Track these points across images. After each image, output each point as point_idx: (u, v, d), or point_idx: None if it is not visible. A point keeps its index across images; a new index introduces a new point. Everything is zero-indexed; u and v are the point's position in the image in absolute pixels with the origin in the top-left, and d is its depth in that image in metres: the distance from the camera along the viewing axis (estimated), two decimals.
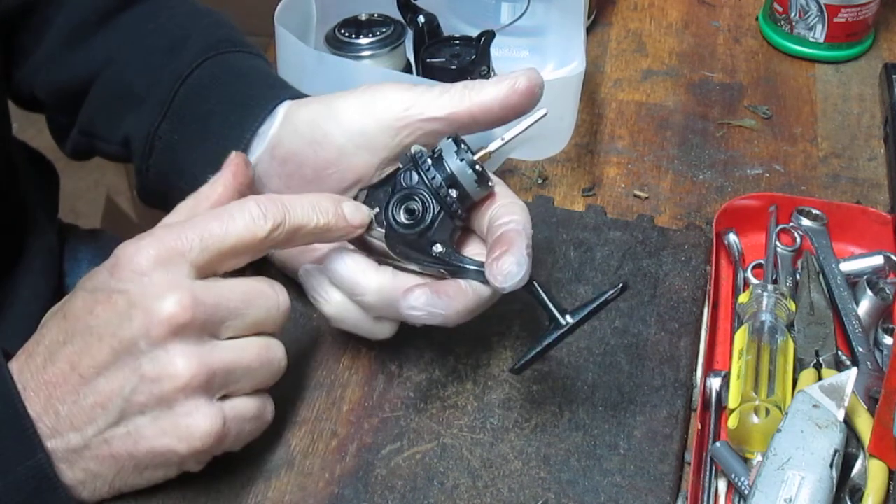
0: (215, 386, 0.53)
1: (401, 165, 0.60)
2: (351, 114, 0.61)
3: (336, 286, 0.60)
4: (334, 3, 0.82)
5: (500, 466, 0.60)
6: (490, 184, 0.59)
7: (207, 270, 0.54)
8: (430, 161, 0.58)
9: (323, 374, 0.65)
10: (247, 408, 0.55)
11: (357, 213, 0.58)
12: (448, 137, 0.59)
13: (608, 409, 0.63)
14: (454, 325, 0.58)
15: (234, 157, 0.59)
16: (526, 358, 0.57)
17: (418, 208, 0.58)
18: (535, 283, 0.58)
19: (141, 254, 0.52)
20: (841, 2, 0.88)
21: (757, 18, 0.96)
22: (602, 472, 0.59)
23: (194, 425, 0.52)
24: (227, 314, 0.53)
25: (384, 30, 0.79)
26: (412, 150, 0.59)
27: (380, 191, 0.60)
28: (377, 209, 0.59)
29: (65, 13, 0.74)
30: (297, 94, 0.66)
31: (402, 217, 0.58)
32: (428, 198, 0.58)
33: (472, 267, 0.58)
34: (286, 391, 0.63)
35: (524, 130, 0.59)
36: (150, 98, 0.69)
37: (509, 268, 0.55)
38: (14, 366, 0.54)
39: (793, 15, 0.91)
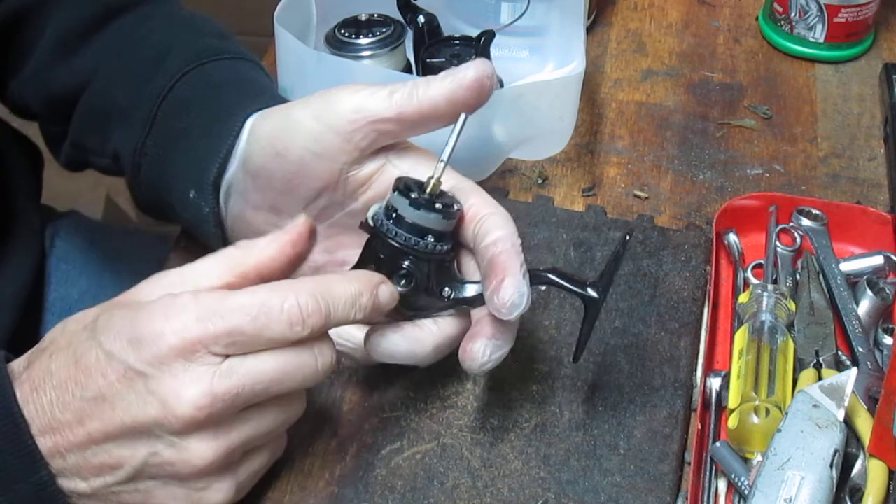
0: (232, 459, 0.53)
1: (368, 236, 0.58)
2: (305, 123, 0.59)
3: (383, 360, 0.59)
4: (334, 3, 0.82)
5: (500, 466, 0.60)
6: (457, 207, 0.58)
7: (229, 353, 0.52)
8: (390, 223, 0.56)
9: None
10: (261, 462, 0.56)
11: (390, 299, 0.56)
12: (394, 190, 0.57)
13: (608, 409, 0.63)
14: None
15: (299, 223, 0.56)
16: (579, 344, 0.58)
17: (410, 274, 0.57)
18: (550, 274, 0.57)
19: (164, 340, 0.50)
20: (841, 2, 0.88)
21: (757, 18, 0.96)
22: (602, 472, 0.59)
23: (207, 498, 0.53)
24: (253, 395, 0.52)
25: (384, 30, 0.79)
26: (369, 219, 0.58)
27: (364, 269, 0.58)
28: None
29: (54, 24, 0.73)
30: (269, 101, 0.65)
31: (400, 287, 0.57)
32: (412, 259, 0.57)
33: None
34: None
35: (456, 142, 0.57)
36: (135, 114, 0.69)
37: (511, 298, 0.54)
38: (18, 392, 0.52)
39: (793, 15, 0.91)
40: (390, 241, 0.56)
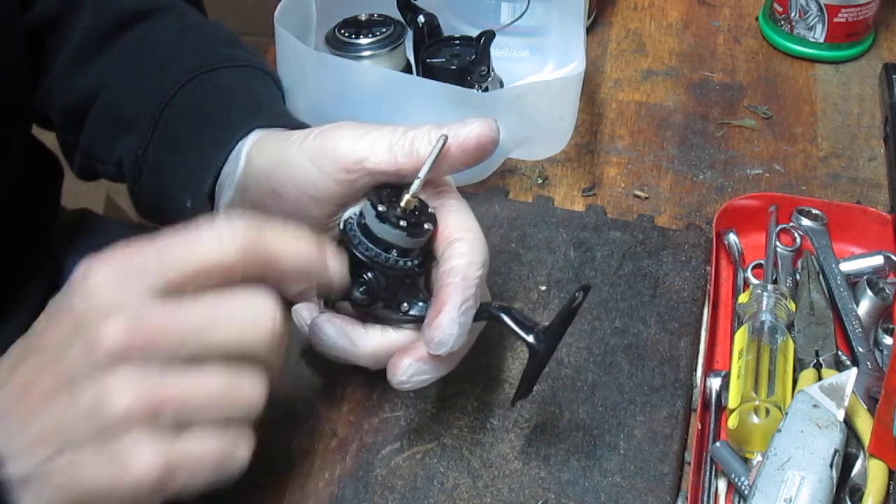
0: (164, 419, 0.47)
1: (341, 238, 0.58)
2: (302, 167, 0.58)
3: (328, 353, 0.59)
4: (334, 3, 0.82)
5: (500, 466, 0.60)
6: (427, 226, 0.57)
7: (170, 291, 0.48)
8: (359, 232, 0.56)
9: (323, 374, 0.65)
10: (205, 447, 0.48)
11: (339, 267, 0.55)
12: (366, 199, 0.57)
13: (608, 409, 0.63)
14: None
15: None
16: (519, 388, 0.57)
17: (368, 284, 0.56)
18: (501, 313, 0.56)
19: (94, 272, 0.48)
20: (841, 2, 0.88)
21: (757, 18, 0.96)
22: (602, 472, 0.59)
23: (131, 462, 0.46)
24: (182, 337, 0.47)
25: (384, 30, 0.79)
26: (340, 224, 0.58)
27: None
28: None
29: (76, 34, 0.74)
30: (269, 118, 0.65)
31: (358, 294, 0.57)
32: (372, 271, 0.56)
33: None
34: (286, 391, 0.63)
35: (434, 161, 0.56)
36: (139, 122, 0.69)
37: (440, 336, 0.54)
38: None
39: (793, 15, 0.91)
40: (353, 249, 0.56)
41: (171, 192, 0.67)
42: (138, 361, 0.47)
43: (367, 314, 0.58)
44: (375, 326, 0.58)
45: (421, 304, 0.57)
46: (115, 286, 0.48)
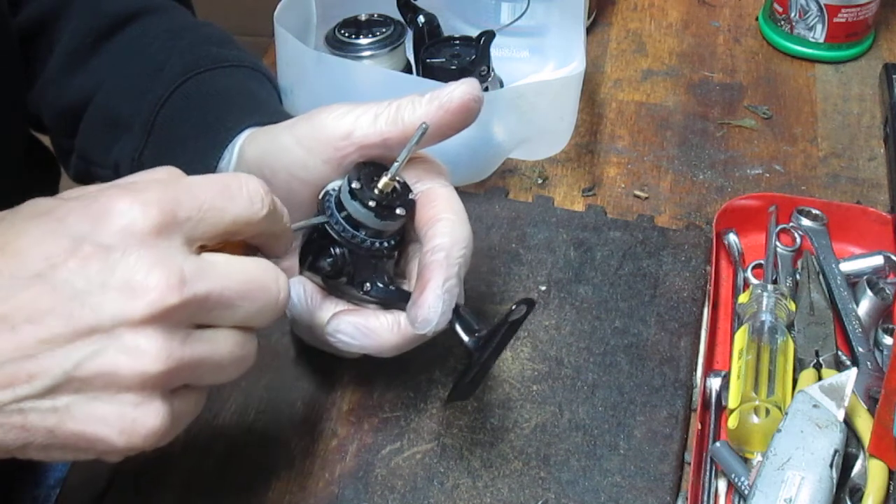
0: (176, 380, 0.46)
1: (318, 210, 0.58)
2: (291, 149, 0.58)
3: (296, 317, 0.60)
4: (334, 3, 0.82)
5: (500, 466, 0.60)
6: (400, 212, 0.56)
7: (196, 244, 0.47)
8: (333, 206, 0.56)
9: (323, 374, 0.65)
10: (191, 406, 0.48)
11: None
12: (346, 176, 0.57)
13: (608, 409, 0.63)
14: (385, 356, 0.57)
15: None
16: (455, 391, 0.57)
17: (334, 258, 0.57)
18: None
19: (139, 212, 0.44)
20: (841, 2, 0.88)
21: (757, 18, 0.96)
22: (602, 472, 0.59)
23: (141, 421, 0.44)
24: (218, 305, 0.46)
25: (384, 30, 0.79)
26: (320, 195, 0.58)
27: (311, 241, 0.58)
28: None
29: (67, 36, 0.74)
30: (262, 116, 0.65)
31: (326, 266, 0.57)
32: (340, 246, 0.56)
33: (398, 300, 0.57)
34: (286, 391, 0.63)
35: (412, 147, 0.56)
36: (135, 124, 0.69)
37: (424, 314, 0.53)
38: None
39: (793, 15, 0.91)
40: (325, 223, 0.56)
41: None
42: (172, 323, 0.45)
43: (331, 287, 0.59)
44: (334, 300, 0.59)
45: (381, 286, 0.57)
46: (160, 232, 0.45)
